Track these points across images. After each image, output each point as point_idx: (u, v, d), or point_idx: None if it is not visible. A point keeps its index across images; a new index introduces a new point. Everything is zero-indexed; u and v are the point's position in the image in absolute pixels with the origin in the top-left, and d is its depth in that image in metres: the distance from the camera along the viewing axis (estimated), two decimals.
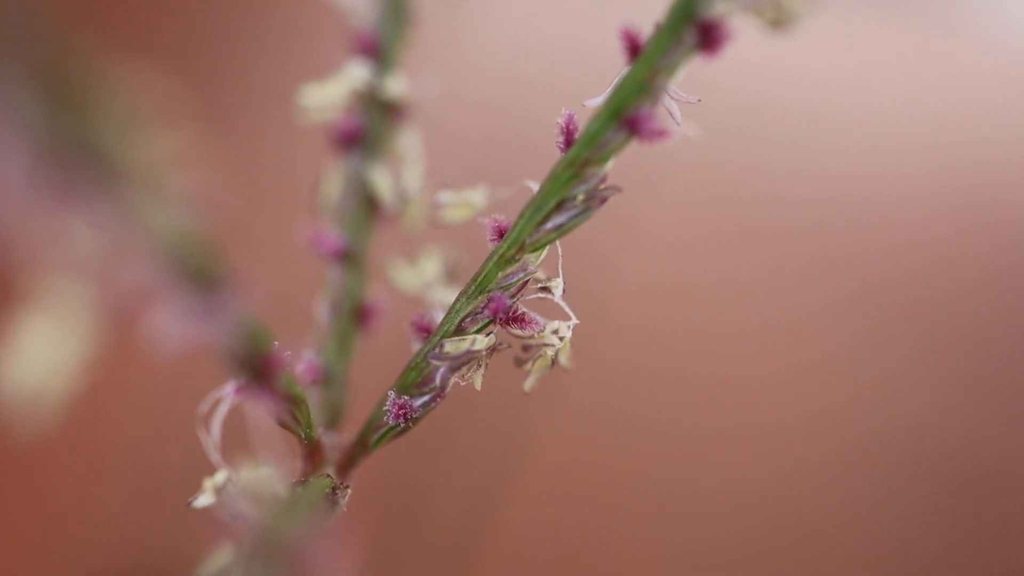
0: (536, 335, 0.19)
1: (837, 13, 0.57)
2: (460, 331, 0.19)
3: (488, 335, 0.19)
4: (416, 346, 0.20)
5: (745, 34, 0.17)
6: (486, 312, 0.19)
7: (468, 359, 0.19)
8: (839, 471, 0.53)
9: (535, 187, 0.19)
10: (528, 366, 0.19)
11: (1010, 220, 0.61)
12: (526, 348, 0.19)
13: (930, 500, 0.53)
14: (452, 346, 0.19)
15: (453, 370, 0.19)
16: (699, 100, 0.17)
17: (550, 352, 0.19)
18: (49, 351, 0.12)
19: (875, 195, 0.61)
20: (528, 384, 0.19)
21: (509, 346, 0.19)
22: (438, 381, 0.19)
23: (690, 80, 0.17)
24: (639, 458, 0.53)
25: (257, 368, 0.16)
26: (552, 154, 0.19)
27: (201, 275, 0.14)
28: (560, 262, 0.19)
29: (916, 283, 0.58)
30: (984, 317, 0.58)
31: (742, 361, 0.56)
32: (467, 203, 0.21)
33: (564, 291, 0.19)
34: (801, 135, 0.62)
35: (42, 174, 0.12)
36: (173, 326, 0.14)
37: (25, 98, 0.11)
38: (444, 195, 0.21)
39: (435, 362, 0.19)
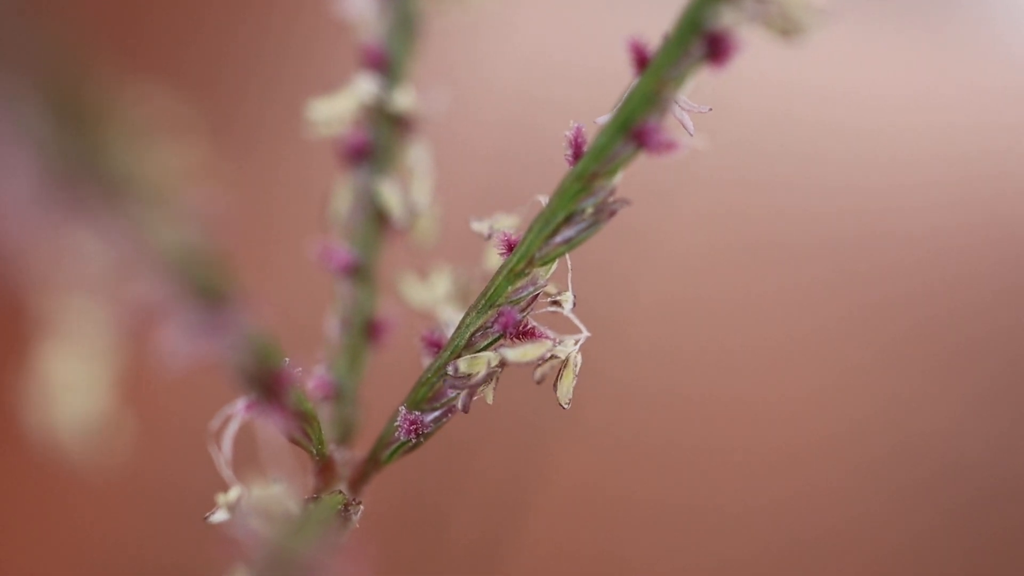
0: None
1: (850, 26, 0.56)
2: (470, 346, 0.19)
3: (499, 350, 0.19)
4: (426, 361, 0.20)
5: (757, 49, 0.17)
6: (496, 327, 0.19)
7: (487, 379, 0.19)
8: (858, 487, 0.53)
9: (544, 201, 0.19)
10: (554, 381, 0.19)
11: None
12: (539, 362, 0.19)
13: (949, 516, 0.52)
14: (466, 365, 0.19)
15: (473, 393, 0.19)
16: (710, 110, 0.17)
17: (572, 364, 0.19)
18: (79, 378, 0.12)
19: (890, 209, 0.60)
20: (563, 398, 0.19)
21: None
22: (461, 405, 0.19)
23: (703, 94, 0.17)
24: (655, 476, 0.53)
25: (267, 384, 0.16)
26: (563, 168, 0.19)
27: (210, 291, 0.14)
28: (570, 276, 0.19)
29: (934, 297, 0.58)
30: (1001, 331, 0.57)
31: (758, 378, 0.55)
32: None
33: (574, 305, 0.19)
34: (816, 150, 0.61)
35: (51, 190, 0.12)
36: (182, 343, 0.14)
37: (33, 114, 0.11)
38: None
39: (454, 387, 0.19)
